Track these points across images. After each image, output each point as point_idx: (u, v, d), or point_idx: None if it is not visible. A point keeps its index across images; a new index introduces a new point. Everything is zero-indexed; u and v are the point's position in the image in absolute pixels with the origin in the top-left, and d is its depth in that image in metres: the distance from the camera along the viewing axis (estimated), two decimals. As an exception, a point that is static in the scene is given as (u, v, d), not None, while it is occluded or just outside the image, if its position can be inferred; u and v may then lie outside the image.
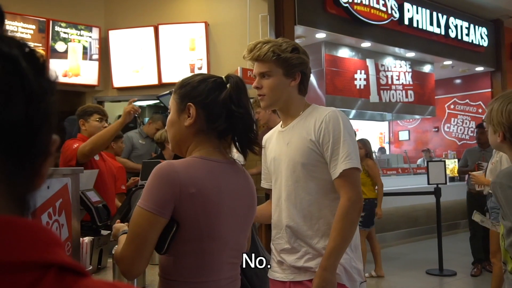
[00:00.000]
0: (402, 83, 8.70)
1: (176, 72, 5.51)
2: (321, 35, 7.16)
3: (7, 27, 5.09)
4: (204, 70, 5.39)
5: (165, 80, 5.50)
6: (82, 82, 5.58)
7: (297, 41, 6.82)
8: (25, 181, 0.43)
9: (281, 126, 1.85)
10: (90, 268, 1.71)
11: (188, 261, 1.21)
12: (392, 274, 5.39)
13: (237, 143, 1.32)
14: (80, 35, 5.58)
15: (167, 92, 3.68)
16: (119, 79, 5.66)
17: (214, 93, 1.29)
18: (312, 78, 7.73)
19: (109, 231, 2.35)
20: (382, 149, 10.69)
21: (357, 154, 1.69)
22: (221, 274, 1.26)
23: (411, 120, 11.14)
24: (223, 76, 1.34)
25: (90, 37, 5.64)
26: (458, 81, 10.68)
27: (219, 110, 1.27)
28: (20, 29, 5.20)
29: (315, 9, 6.55)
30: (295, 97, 1.78)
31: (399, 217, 7.26)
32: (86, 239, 1.74)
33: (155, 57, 5.56)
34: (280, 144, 1.79)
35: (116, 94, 5.81)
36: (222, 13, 5.63)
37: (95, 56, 5.65)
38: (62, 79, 5.43)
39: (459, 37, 8.72)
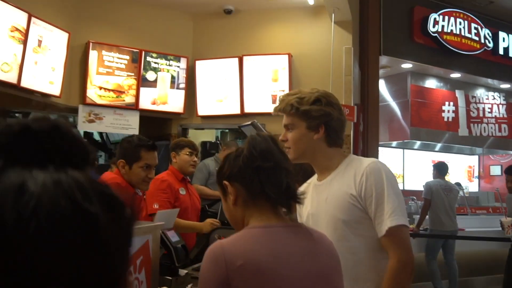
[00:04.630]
0: (495, 116, 8.15)
1: (258, 102, 5.59)
2: (407, 65, 6.93)
3: (105, 57, 5.47)
4: (286, 101, 5.41)
5: (247, 110, 5.59)
6: (169, 109, 5.83)
7: (381, 71, 6.66)
8: None
9: (317, 179, 1.74)
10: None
11: None
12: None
13: (274, 199, 1.22)
14: (169, 65, 5.85)
15: (249, 122, 3.75)
16: (204, 108, 5.84)
17: (238, 160, 1.25)
18: (397, 109, 7.49)
19: (186, 271, 2.41)
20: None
21: (403, 209, 1.58)
22: None
23: (504, 154, 10.38)
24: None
25: (178, 66, 5.90)
26: (560, 113, 9.80)
27: (248, 173, 1.22)
28: (115, 59, 5.56)
29: (401, 39, 6.35)
30: (323, 150, 1.68)
31: (489, 261, 6.72)
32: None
33: (238, 87, 5.68)
34: (317, 199, 1.69)
35: (200, 122, 6.00)
36: (306, 45, 5.64)
37: (182, 85, 5.89)
38: (150, 107, 5.72)
39: (562, 68, 8.04)
